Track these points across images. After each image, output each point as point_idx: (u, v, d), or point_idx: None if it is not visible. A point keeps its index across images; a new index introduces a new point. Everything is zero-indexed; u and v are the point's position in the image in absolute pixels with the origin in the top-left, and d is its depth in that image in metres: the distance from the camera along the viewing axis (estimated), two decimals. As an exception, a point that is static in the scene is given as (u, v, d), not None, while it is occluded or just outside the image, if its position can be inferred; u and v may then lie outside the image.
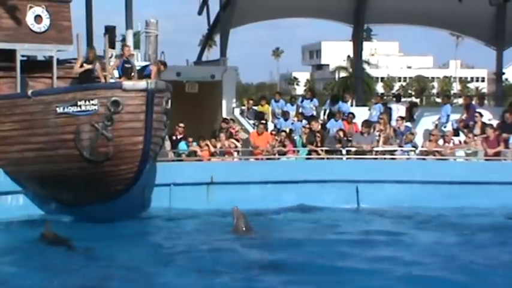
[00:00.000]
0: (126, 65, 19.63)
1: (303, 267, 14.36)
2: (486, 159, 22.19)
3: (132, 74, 20.03)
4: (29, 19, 20.21)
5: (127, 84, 18.27)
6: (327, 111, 25.46)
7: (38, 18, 20.28)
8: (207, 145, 21.92)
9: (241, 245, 16.44)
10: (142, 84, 18.19)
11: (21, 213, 18.78)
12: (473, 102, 27.67)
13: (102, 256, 15.34)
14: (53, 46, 20.37)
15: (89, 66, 19.69)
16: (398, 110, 25.73)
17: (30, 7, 20.20)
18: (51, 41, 20.40)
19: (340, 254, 15.40)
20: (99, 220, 18.19)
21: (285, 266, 14.43)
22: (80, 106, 18.17)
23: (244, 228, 17.51)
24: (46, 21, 20.37)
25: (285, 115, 24.71)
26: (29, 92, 19.03)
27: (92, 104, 18.09)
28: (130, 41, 23.56)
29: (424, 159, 22.49)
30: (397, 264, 14.52)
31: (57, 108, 18.31)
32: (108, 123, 18.00)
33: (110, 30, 22.55)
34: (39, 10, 20.29)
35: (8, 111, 18.87)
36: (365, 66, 59.60)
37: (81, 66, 19.75)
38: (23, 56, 20.36)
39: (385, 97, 33.90)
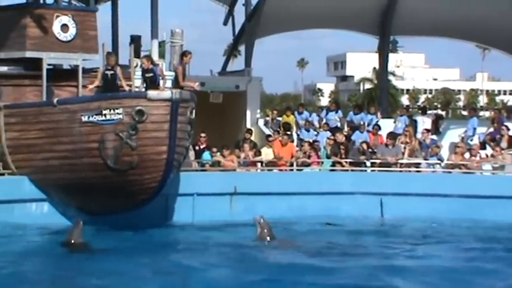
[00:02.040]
0: (147, 75, 19.60)
1: (326, 275, 14.37)
2: (513, 173, 21.99)
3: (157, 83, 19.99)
4: (56, 28, 20.33)
5: (152, 93, 18.30)
6: (349, 123, 25.37)
7: (64, 27, 20.39)
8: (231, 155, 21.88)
9: (265, 253, 16.59)
10: (167, 94, 18.22)
11: (46, 220, 18.81)
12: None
13: (124, 264, 15.33)
14: (79, 55, 20.47)
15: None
16: (424, 122, 25.60)
17: (57, 16, 20.33)
18: (77, 49, 20.51)
19: (363, 265, 15.33)
20: (123, 229, 18.21)
21: (308, 273, 14.41)
22: (105, 115, 18.21)
23: (268, 237, 17.51)
24: (72, 30, 20.48)
25: (308, 126, 24.65)
26: (55, 100, 19.12)
27: (117, 113, 18.14)
28: (155, 51, 23.62)
29: (449, 172, 22.33)
30: (415, 277, 14.43)
31: (82, 117, 18.37)
32: (132, 132, 18.03)
33: (135, 40, 22.63)
34: (65, 19, 20.41)
35: (34, 119, 18.97)
36: (390, 77, 59.44)
37: (102, 74, 19.71)
38: (49, 64, 20.46)
39: (410, 109, 33.70)
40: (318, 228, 19.82)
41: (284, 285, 13.76)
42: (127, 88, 19.76)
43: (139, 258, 15.83)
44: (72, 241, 16.71)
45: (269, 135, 23.83)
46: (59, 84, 20.63)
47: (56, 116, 18.72)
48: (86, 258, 15.77)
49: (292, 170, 22.25)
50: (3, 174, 19.20)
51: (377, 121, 25.56)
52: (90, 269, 14.75)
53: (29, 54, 20.19)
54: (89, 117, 18.32)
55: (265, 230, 17.54)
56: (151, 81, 19.46)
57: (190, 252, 16.97)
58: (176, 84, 19.93)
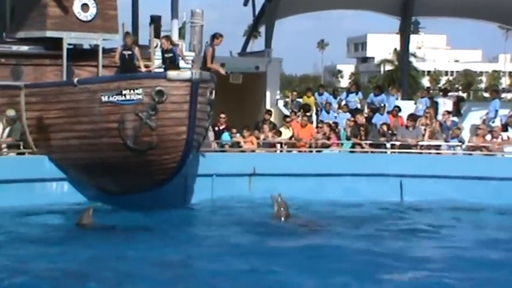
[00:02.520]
0: (166, 55, 19.56)
1: (341, 254, 14.51)
2: (534, 156, 21.84)
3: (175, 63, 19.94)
4: (76, 8, 20.32)
5: (172, 74, 18.27)
6: (370, 104, 25.26)
7: (84, 7, 20.38)
8: (251, 136, 21.86)
9: (280, 231, 16.79)
10: (187, 74, 18.19)
11: (66, 199, 18.89)
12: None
13: (143, 243, 15.41)
14: (99, 35, 20.46)
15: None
16: (445, 104, 25.47)
17: (78, -5, 20.31)
18: (97, 29, 20.50)
19: (379, 245, 15.35)
20: (142, 209, 18.26)
21: (323, 252, 14.58)
22: (125, 95, 18.22)
23: (284, 215, 17.70)
24: (93, 10, 20.47)
25: (327, 107, 24.58)
26: (75, 80, 19.14)
27: (137, 94, 18.14)
28: (175, 31, 23.56)
29: (470, 154, 22.21)
30: (435, 260, 14.39)
31: (102, 97, 18.39)
32: (152, 112, 18.03)
33: (155, 20, 22.57)
34: (86, -1, 20.39)
35: (54, 98, 19.00)
36: (411, 59, 59.10)
37: (120, 55, 19.74)
38: (69, 44, 20.47)
39: (431, 91, 33.46)
40: (336, 209, 19.79)
41: (294, 260, 13.93)
42: (144, 69, 19.73)
43: (156, 239, 15.92)
44: (83, 222, 16.81)
45: (286, 116, 23.78)
46: (79, 64, 20.65)
47: (76, 96, 18.75)
48: (105, 239, 15.81)
49: (311, 151, 22.20)
50: (23, 154, 19.28)
51: (395, 103, 25.42)
52: (110, 251, 14.80)
53: (49, 33, 20.20)
54: (108, 97, 18.34)
55: (282, 208, 17.84)
56: (171, 61, 19.41)
57: (208, 232, 17.07)
58: (203, 65, 19.86)
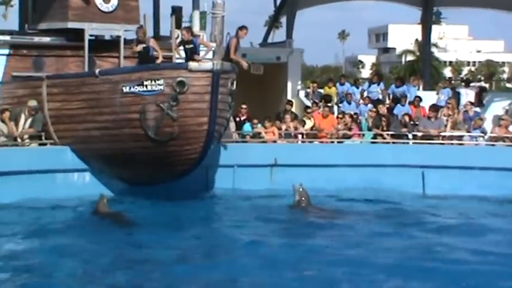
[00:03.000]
0: (187, 46, 19.54)
1: (362, 245, 14.48)
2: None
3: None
4: (98, -2, 20.35)
5: (193, 64, 18.28)
6: (391, 95, 25.15)
7: (106, -2, 20.40)
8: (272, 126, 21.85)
9: (301, 222, 16.89)
10: (208, 65, 18.19)
11: (88, 190, 18.93)
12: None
13: (161, 234, 15.45)
14: (121, 26, 20.50)
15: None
16: (467, 94, 25.30)
17: (99, -13, 20.34)
18: (118, 20, 20.53)
19: (402, 237, 15.29)
20: (163, 199, 18.29)
21: (345, 243, 14.61)
22: (146, 86, 18.25)
23: (305, 205, 17.78)
24: (114, 1, 20.50)
25: (349, 98, 24.51)
26: (97, 71, 19.19)
27: (158, 84, 18.17)
28: (196, 22, 23.56)
29: (493, 145, 22.08)
30: (460, 251, 14.29)
31: (124, 88, 18.43)
32: (173, 103, 18.05)
33: (176, 11, 22.57)
34: (107, -11, 20.42)
35: (76, 89, 19.06)
36: (433, 49, 58.80)
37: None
38: (90, 35, 20.52)
39: (453, 81, 33.31)
40: (357, 200, 19.74)
41: (308, 250, 13.96)
42: (159, 60, 19.64)
43: (177, 230, 15.99)
44: (100, 211, 16.84)
45: (307, 107, 23.74)
46: (100, 55, 20.71)
47: (97, 87, 18.79)
48: (127, 230, 15.86)
49: (332, 142, 22.15)
50: (45, 144, 19.35)
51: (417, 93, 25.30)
52: (132, 241, 14.87)
53: (71, 25, 20.26)
54: (130, 88, 18.38)
55: (303, 198, 17.86)
56: (192, 52, 19.41)
57: (229, 223, 17.14)
58: (226, 56, 19.86)
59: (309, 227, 16.44)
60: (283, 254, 13.72)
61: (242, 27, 20.26)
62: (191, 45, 19.41)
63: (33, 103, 19.10)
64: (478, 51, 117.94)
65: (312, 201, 18.10)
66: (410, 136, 22.24)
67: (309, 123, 22.48)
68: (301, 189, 18.02)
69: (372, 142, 22.23)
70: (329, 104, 23.78)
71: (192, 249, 14.39)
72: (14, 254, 13.75)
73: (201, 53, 19.91)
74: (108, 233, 15.55)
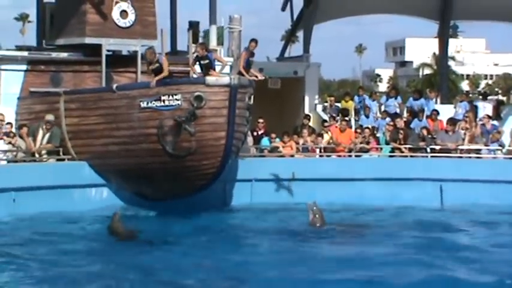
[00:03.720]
0: (202, 62, 19.50)
1: (379, 262, 14.26)
2: None
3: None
4: (115, 14, 20.47)
5: (210, 79, 18.29)
6: (409, 108, 25.07)
7: (123, 13, 20.52)
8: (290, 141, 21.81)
9: (318, 238, 16.74)
10: (225, 79, 18.20)
11: (105, 205, 18.94)
12: None
13: (178, 250, 15.40)
14: (138, 41, 20.56)
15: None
16: (485, 108, 25.21)
17: (116, 2, 20.48)
18: (136, 35, 20.62)
19: (419, 253, 15.14)
20: (181, 215, 18.27)
21: (355, 261, 14.43)
22: (164, 101, 18.27)
23: (319, 223, 17.67)
24: (131, 16, 20.60)
25: (367, 111, 24.46)
26: (114, 86, 19.23)
27: (176, 99, 18.18)
28: (213, 37, 23.60)
29: (511, 158, 21.96)
30: (472, 267, 14.19)
31: (141, 103, 18.46)
32: (191, 118, 18.04)
33: (193, 26, 22.63)
34: (124, 5, 20.55)
35: (94, 104, 19.10)
36: (450, 63, 58.65)
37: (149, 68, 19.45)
38: (108, 50, 20.59)
39: (470, 95, 33.22)
40: (375, 214, 19.65)
41: (331, 268, 13.81)
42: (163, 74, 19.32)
43: (193, 244, 15.88)
44: (113, 228, 16.73)
45: (325, 121, 23.71)
46: (118, 70, 20.78)
47: (115, 102, 18.83)
48: (143, 246, 15.80)
49: (350, 156, 22.09)
50: (63, 160, 19.40)
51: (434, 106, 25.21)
52: (146, 258, 14.77)
53: (88, 40, 20.36)
54: (147, 103, 18.40)
55: (317, 216, 17.71)
56: (207, 67, 19.39)
57: (247, 238, 17.06)
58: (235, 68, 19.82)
59: (324, 245, 16.29)
60: (298, 271, 13.65)
61: (251, 40, 20.26)
62: (206, 61, 19.37)
63: (50, 117, 19.16)
64: (495, 65, 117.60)
65: (326, 218, 17.89)
66: (428, 150, 22.15)
67: (325, 137, 22.43)
68: (314, 208, 17.84)
69: (390, 156, 22.16)
70: (346, 118, 23.73)
71: (201, 265, 14.18)
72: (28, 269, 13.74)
73: (217, 68, 19.89)
74: (120, 248, 15.52)
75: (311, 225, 17.76)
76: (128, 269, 13.82)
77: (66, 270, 13.64)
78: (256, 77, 19.52)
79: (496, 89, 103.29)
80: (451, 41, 34.52)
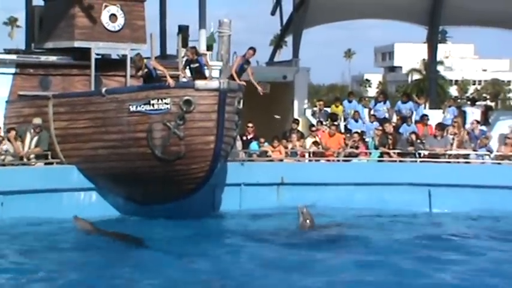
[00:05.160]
0: (192, 65, 19.50)
1: (367, 266, 14.35)
2: None
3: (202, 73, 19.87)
4: (104, 18, 20.46)
5: (199, 83, 18.28)
6: (398, 113, 25.13)
7: (112, 17, 20.51)
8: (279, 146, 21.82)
9: (307, 243, 16.71)
10: (214, 83, 18.20)
11: (94, 210, 18.92)
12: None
13: (167, 254, 15.39)
14: (127, 45, 20.56)
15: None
16: (473, 113, 25.26)
17: (105, 6, 20.46)
18: (125, 39, 20.61)
19: (407, 258, 15.18)
20: (169, 219, 18.25)
21: (350, 264, 14.51)
22: (153, 105, 18.26)
23: (309, 226, 17.73)
24: (121, 20, 20.59)
25: (356, 116, 24.49)
26: (103, 90, 19.20)
27: (165, 103, 18.17)
28: (203, 41, 23.62)
29: (499, 163, 22.03)
30: (464, 273, 14.22)
31: (130, 107, 18.44)
32: (180, 122, 18.05)
33: (183, 30, 22.64)
34: (114, 9, 20.53)
35: (83, 108, 19.08)
36: (439, 68, 58.82)
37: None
38: (97, 54, 20.57)
39: (459, 100, 33.31)
40: (364, 219, 19.67)
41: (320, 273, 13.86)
42: (168, 78, 19.35)
43: (182, 248, 15.88)
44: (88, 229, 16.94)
45: (312, 125, 23.71)
46: (107, 74, 20.77)
47: (104, 106, 18.81)
48: (133, 249, 15.80)
49: (339, 160, 22.12)
50: (51, 163, 19.35)
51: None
52: (136, 260, 14.78)
53: (77, 44, 20.34)
54: (136, 107, 18.39)
55: (308, 220, 17.77)
56: (197, 71, 19.39)
57: (236, 242, 17.02)
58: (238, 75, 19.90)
59: (314, 250, 16.19)
60: (283, 277, 13.64)
61: (249, 48, 20.31)
62: (196, 64, 19.38)
63: (37, 121, 19.12)
64: (484, 70, 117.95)
65: (319, 220, 17.99)
66: (416, 154, 22.20)
67: (308, 141, 22.40)
68: (304, 211, 17.96)
69: (379, 161, 22.20)
70: (335, 123, 23.74)
71: (194, 270, 14.21)
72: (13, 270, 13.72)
73: (206, 73, 19.89)
74: (108, 252, 15.48)
75: (301, 228, 17.80)
76: (114, 272, 13.81)
77: (52, 275, 13.62)
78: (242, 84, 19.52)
79: (485, 95, 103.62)
80: (440, 46, 34.68)
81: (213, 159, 18.27)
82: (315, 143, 22.29)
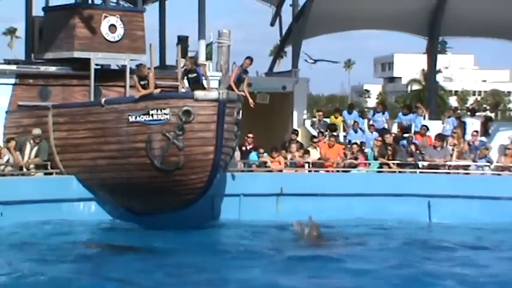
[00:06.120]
0: (190, 75, 19.47)
1: (368, 276, 14.30)
2: None
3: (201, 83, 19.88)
4: (104, 28, 20.49)
5: (199, 94, 18.29)
6: (399, 124, 25.13)
7: (112, 28, 20.54)
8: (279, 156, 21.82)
9: (309, 252, 16.64)
10: (213, 94, 18.20)
11: (93, 220, 18.91)
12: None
13: (166, 265, 15.34)
14: (127, 55, 20.60)
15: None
16: (473, 124, 25.30)
17: (105, 16, 20.49)
18: (124, 50, 20.65)
19: (407, 268, 15.14)
20: (169, 229, 18.22)
21: (353, 275, 14.45)
22: (152, 115, 18.26)
23: (316, 238, 17.66)
24: (120, 31, 20.63)
25: (355, 126, 24.50)
26: (102, 100, 19.22)
27: (164, 113, 18.18)
28: (202, 51, 23.64)
29: (499, 174, 22.03)
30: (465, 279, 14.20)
31: (130, 117, 18.45)
32: (179, 132, 18.05)
33: (182, 40, 22.68)
34: (113, 20, 20.57)
35: (82, 119, 19.09)
36: (439, 79, 58.81)
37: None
38: (96, 64, 20.59)
39: (459, 111, 33.29)
40: (363, 230, 19.64)
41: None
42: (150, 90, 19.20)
43: (182, 259, 15.83)
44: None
45: (314, 136, 23.74)
46: (106, 84, 20.79)
47: (103, 116, 18.82)
48: (130, 259, 15.77)
49: (338, 171, 22.10)
50: (51, 174, 19.35)
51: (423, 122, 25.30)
52: (128, 271, 14.76)
53: (77, 54, 20.37)
54: (136, 117, 18.39)
55: (314, 232, 17.70)
56: (195, 81, 19.38)
57: (235, 253, 16.95)
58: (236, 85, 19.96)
59: (316, 259, 16.19)
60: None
61: (246, 58, 20.34)
62: (194, 75, 19.36)
63: (37, 131, 19.13)
64: (484, 81, 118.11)
65: (321, 232, 17.95)
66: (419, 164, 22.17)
67: (315, 153, 22.42)
68: (312, 222, 17.88)
69: (378, 171, 22.18)
70: (335, 134, 23.75)
71: (191, 284, 14.10)
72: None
73: (205, 83, 19.89)
74: (108, 262, 15.42)
75: (309, 240, 17.67)
76: (109, 281, 13.78)
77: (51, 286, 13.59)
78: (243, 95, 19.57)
79: (484, 105, 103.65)
80: (440, 57, 34.66)
81: (212, 170, 18.26)
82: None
